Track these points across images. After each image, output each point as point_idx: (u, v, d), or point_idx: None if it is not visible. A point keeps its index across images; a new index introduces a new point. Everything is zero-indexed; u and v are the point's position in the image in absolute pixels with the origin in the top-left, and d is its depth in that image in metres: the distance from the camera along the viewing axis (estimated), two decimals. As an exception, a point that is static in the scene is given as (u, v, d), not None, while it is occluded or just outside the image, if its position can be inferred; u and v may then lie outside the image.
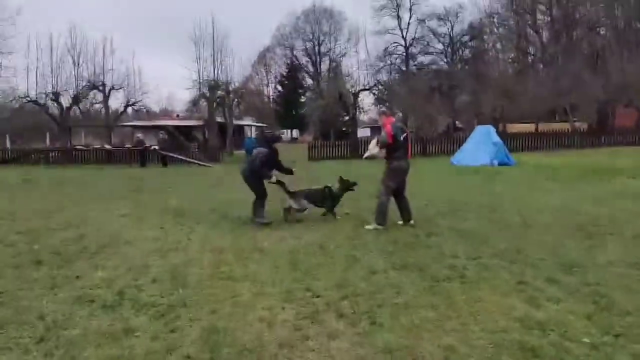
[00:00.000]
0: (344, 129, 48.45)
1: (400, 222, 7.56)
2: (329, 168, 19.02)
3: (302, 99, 62.95)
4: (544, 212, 8.31)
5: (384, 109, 8.86)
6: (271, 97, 70.24)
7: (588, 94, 29.18)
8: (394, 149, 7.30)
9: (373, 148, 7.62)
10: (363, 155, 8.17)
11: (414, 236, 6.76)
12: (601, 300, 4.20)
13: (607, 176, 13.42)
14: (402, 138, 7.31)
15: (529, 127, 36.09)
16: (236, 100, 39.08)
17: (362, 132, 55.57)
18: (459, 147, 23.22)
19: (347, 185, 8.47)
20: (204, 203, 10.45)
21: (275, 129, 72.17)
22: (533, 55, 46.19)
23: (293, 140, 66.06)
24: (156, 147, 25.50)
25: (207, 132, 33.69)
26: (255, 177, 7.93)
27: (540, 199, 9.85)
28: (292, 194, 8.17)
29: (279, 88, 66.63)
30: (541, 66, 43.69)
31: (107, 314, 4.20)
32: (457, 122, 50.88)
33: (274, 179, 7.95)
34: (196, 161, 24.87)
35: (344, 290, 4.61)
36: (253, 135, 56.73)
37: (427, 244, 6.34)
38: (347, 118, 39.11)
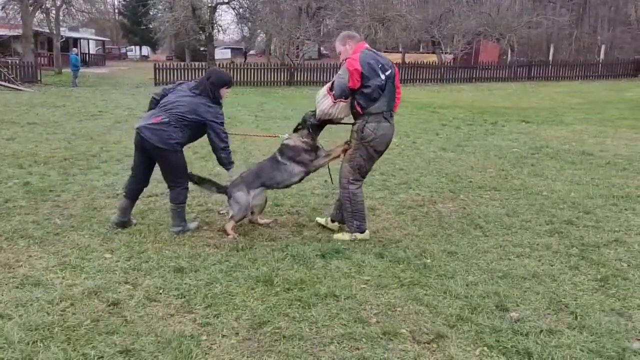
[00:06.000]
0: (201, 48, 42.96)
1: (322, 220, 4.49)
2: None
3: (153, 12, 54.95)
4: (489, 192, 5.75)
5: (347, 32, 4.34)
6: (116, 7, 60.83)
7: (460, 26, 28.06)
8: (367, 98, 3.91)
9: (322, 99, 4.01)
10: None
11: (330, 276, 3.61)
12: None
13: (501, 119, 12.16)
14: (383, 77, 3.89)
15: (394, 58, 34.52)
16: (64, 5, 31.59)
17: (222, 54, 50.44)
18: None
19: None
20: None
21: (120, 44, 63.46)
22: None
23: (143, 58, 58.11)
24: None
25: (21, 45, 26.48)
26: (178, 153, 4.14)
27: (465, 162, 7.36)
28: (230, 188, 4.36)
29: (125, -4, 57.65)
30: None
31: None
32: (321, 49, 47.98)
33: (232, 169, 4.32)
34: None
35: None
36: (93, 51, 48.20)
37: (359, 313, 3.36)
38: (203, 37, 34.02)
